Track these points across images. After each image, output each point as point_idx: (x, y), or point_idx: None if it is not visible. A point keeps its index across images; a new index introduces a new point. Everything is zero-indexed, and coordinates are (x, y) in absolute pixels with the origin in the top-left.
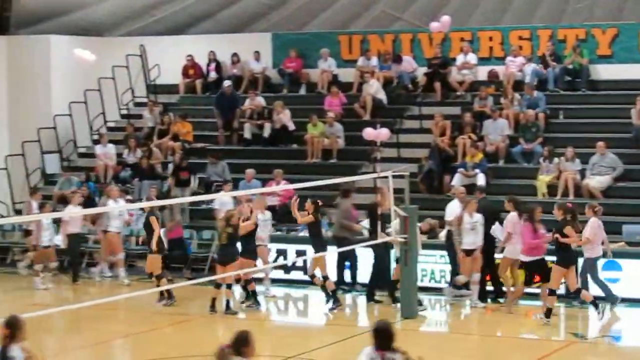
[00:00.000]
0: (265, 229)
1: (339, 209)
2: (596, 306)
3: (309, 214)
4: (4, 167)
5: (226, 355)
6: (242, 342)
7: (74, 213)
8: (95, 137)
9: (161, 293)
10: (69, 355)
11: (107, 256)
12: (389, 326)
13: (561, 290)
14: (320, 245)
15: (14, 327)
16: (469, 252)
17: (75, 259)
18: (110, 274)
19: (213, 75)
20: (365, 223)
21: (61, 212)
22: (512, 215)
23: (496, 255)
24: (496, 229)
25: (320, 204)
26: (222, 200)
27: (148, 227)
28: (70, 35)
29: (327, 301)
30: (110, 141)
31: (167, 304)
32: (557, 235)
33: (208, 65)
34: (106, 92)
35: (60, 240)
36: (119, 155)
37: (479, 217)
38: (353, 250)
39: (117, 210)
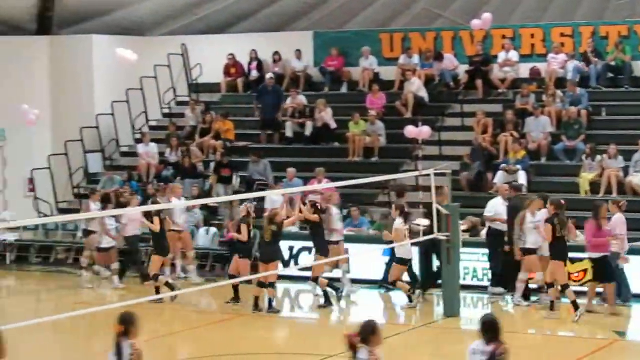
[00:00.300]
0: (340, 224)
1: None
2: (576, 308)
3: None
4: (48, 167)
5: (355, 344)
6: (369, 331)
7: (131, 210)
8: (138, 136)
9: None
10: (103, 357)
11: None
12: (496, 319)
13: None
14: (323, 247)
15: (128, 323)
16: (532, 252)
17: (137, 260)
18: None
19: (255, 74)
20: (424, 221)
21: (122, 210)
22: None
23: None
24: None
25: (319, 207)
26: (273, 199)
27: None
28: (112, 34)
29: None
30: (153, 140)
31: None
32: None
33: (250, 64)
34: (148, 91)
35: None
36: (161, 154)
37: (541, 216)
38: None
39: (182, 207)
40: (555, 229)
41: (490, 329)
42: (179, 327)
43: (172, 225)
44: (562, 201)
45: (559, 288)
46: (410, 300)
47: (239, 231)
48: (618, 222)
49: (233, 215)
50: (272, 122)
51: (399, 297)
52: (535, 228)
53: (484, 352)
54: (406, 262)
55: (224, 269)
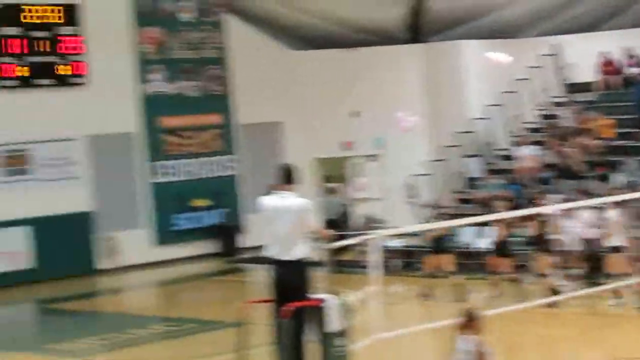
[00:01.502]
0: None
1: None
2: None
3: None
4: (426, 173)
5: None
6: None
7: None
8: (513, 139)
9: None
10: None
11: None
12: None
13: None
14: None
15: (470, 317)
16: None
17: (594, 264)
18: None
19: (633, 70)
20: None
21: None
22: None
23: None
24: None
25: None
26: None
27: None
28: (479, 39)
29: None
30: (530, 142)
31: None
32: None
33: (625, 60)
34: (522, 93)
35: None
36: (539, 156)
37: None
38: None
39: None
40: None
41: None
42: (573, 331)
43: None
44: None
45: None
46: None
47: None
48: None
49: None
50: None
51: None
52: None
53: None
54: None
55: None
